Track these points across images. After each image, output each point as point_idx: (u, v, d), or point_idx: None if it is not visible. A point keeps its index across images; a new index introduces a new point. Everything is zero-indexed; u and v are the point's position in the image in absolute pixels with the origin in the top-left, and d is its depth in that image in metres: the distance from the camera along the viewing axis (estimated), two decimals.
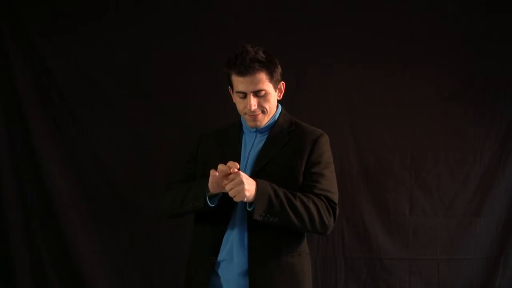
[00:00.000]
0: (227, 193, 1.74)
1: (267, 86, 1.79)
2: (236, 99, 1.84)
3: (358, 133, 2.79)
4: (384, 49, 2.77)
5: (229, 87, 1.87)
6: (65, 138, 2.77)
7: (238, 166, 1.67)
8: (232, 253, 1.79)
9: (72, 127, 2.77)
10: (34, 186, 2.75)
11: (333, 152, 2.73)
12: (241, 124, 1.94)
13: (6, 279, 2.73)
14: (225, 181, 1.68)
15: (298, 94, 2.76)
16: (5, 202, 2.72)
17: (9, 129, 2.74)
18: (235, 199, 1.68)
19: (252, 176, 1.75)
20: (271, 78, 1.80)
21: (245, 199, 1.68)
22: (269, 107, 1.83)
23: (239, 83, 1.78)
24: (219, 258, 1.80)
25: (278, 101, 1.94)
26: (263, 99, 1.80)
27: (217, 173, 1.67)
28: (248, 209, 1.72)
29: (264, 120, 1.85)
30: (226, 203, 1.78)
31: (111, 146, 2.77)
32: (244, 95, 1.79)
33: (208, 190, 1.73)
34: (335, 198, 1.85)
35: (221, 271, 1.81)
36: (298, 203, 1.73)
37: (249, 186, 1.67)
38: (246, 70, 1.74)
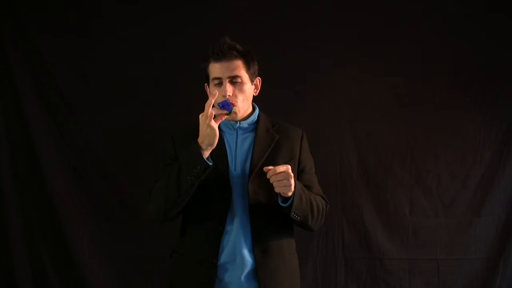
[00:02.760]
0: (218, 193, 1.75)
1: (243, 74, 1.78)
2: (212, 89, 1.81)
3: (358, 133, 2.79)
4: (384, 49, 2.77)
5: (206, 84, 1.86)
6: (65, 138, 2.77)
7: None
8: (235, 255, 1.76)
9: (72, 127, 2.77)
10: (34, 186, 2.74)
11: (333, 152, 2.78)
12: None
13: (6, 279, 2.73)
14: (271, 173, 1.67)
15: (298, 94, 2.76)
16: (5, 202, 2.72)
17: (9, 129, 2.74)
18: (276, 190, 1.69)
19: (253, 176, 1.76)
20: (248, 69, 1.80)
21: (287, 194, 1.69)
22: (244, 98, 1.80)
23: (215, 69, 1.78)
24: (220, 260, 1.76)
25: (258, 102, 1.93)
26: (238, 88, 1.78)
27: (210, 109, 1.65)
28: (283, 204, 1.72)
29: (239, 112, 1.81)
30: (219, 203, 1.77)
31: (111, 145, 2.77)
32: (220, 82, 1.77)
33: (201, 147, 1.68)
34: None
35: (223, 273, 1.77)
36: (314, 204, 1.79)
37: (293, 182, 1.69)
38: (224, 55, 1.75)
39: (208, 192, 1.77)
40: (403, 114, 2.79)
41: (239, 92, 1.78)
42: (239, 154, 1.82)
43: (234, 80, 1.77)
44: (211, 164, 1.70)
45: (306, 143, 1.92)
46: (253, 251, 1.76)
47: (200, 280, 1.78)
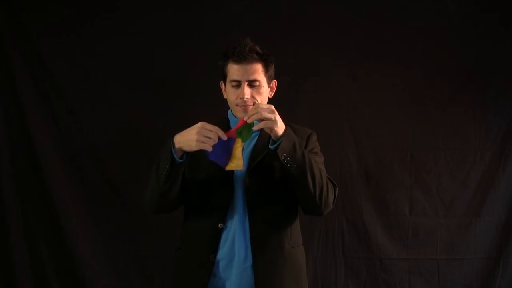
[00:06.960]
0: (220, 189, 1.74)
1: (262, 78, 1.79)
2: (229, 89, 1.81)
3: (358, 133, 2.80)
4: (384, 49, 2.78)
5: (221, 82, 1.86)
6: (65, 138, 2.77)
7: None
8: (234, 251, 1.76)
9: (72, 127, 2.77)
10: (34, 186, 2.75)
11: (333, 152, 2.78)
12: (228, 122, 1.90)
13: (6, 279, 2.73)
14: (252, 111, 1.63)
15: (298, 94, 2.77)
16: (5, 202, 2.72)
17: (9, 129, 2.74)
18: (261, 125, 1.64)
19: (250, 169, 1.75)
20: (266, 72, 1.80)
21: (273, 131, 1.64)
22: (261, 100, 1.81)
23: (234, 71, 1.77)
24: (218, 257, 1.76)
25: (272, 100, 1.93)
26: (256, 90, 1.79)
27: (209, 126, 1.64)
28: (270, 147, 1.69)
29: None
30: (221, 200, 1.77)
31: (111, 145, 2.77)
32: (238, 84, 1.78)
33: (174, 145, 1.66)
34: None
35: (220, 270, 1.77)
36: (314, 163, 1.72)
37: (281, 121, 1.66)
38: (244, 57, 1.75)
39: (211, 189, 1.78)
40: (403, 114, 2.79)
41: (256, 94, 1.79)
42: (245, 153, 1.82)
43: (252, 84, 1.78)
44: (180, 161, 1.67)
45: (315, 140, 1.89)
46: (251, 247, 1.76)
47: (196, 276, 1.78)
